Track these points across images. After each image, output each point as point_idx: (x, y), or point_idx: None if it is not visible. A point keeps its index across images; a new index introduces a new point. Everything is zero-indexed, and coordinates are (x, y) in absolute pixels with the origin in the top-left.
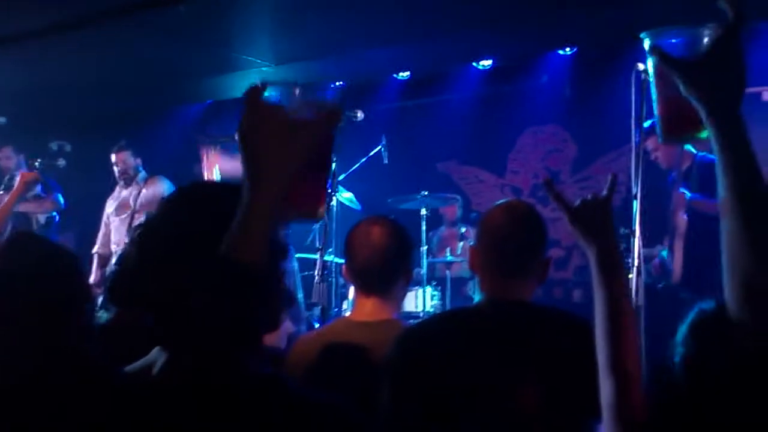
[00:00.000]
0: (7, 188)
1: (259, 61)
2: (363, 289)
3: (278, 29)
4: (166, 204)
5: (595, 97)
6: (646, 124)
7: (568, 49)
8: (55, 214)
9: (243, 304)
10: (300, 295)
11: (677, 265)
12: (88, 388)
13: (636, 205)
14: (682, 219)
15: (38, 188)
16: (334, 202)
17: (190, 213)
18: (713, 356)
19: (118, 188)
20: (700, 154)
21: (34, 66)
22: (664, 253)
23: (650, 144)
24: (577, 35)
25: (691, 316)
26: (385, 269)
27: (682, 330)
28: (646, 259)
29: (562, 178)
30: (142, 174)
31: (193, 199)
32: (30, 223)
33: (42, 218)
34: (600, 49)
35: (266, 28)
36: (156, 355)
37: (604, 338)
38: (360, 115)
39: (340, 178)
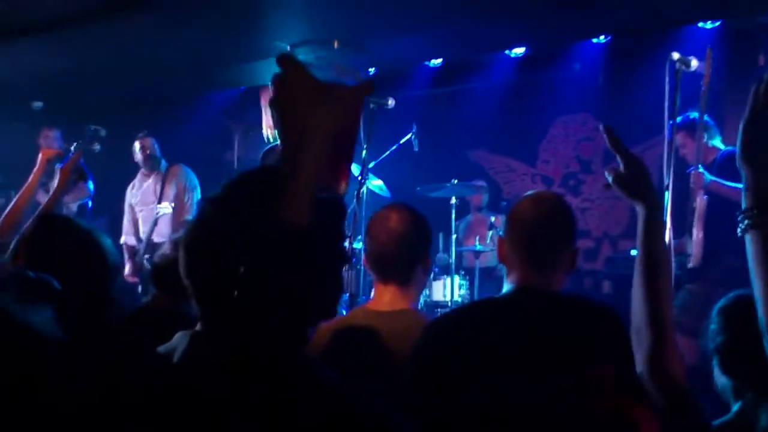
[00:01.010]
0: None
1: (290, 47)
2: (381, 277)
3: (310, 16)
4: (218, 199)
5: (628, 87)
6: (678, 119)
7: (602, 37)
8: (87, 200)
9: (294, 272)
10: None
11: (696, 249)
12: (128, 365)
13: (668, 196)
14: (702, 200)
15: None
16: (363, 190)
17: (237, 201)
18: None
19: (139, 177)
20: (726, 149)
21: (69, 52)
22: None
23: (679, 139)
24: (610, 24)
25: (723, 303)
26: (402, 256)
27: (717, 318)
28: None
29: (594, 168)
30: (164, 163)
31: (239, 189)
32: (61, 212)
33: (74, 206)
34: (634, 38)
35: (298, 15)
36: (179, 340)
37: (644, 292)
38: (391, 102)
39: (370, 165)
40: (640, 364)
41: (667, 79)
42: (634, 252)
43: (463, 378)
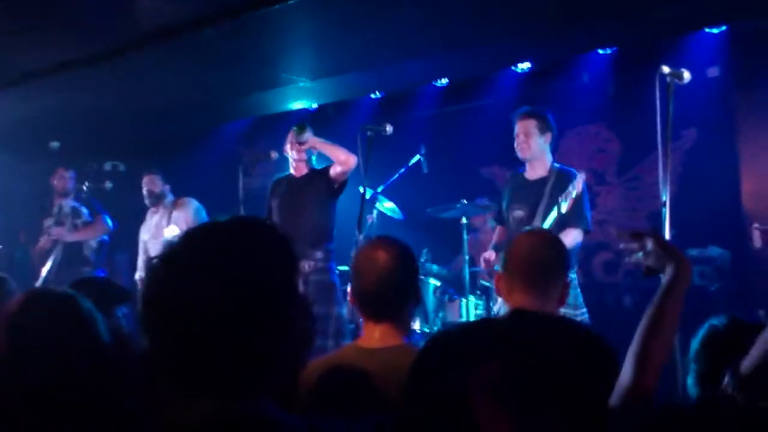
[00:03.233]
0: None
1: (294, 77)
2: (372, 316)
3: (313, 45)
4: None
5: (637, 95)
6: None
7: (607, 48)
8: (105, 237)
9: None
10: (344, 310)
11: None
12: None
13: (665, 213)
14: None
15: (86, 214)
16: (374, 213)
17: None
18: (725, 372)
19: (149, 214)
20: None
21: (83, 92)
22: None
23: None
24: (615, 36)
25: (702, 332)
26: (394, 295)
27: (694, 346)
28: (698, 261)
29: (608, 179)
30: (170, 197)
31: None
32: (81, 249)
33: (93, 243)
34: (640, 48)
35: (301, 45)
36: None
37: (642, 335)
38: (389, 128)
39: (379, 189)
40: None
41: (657, 94)
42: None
43: (454, 391)
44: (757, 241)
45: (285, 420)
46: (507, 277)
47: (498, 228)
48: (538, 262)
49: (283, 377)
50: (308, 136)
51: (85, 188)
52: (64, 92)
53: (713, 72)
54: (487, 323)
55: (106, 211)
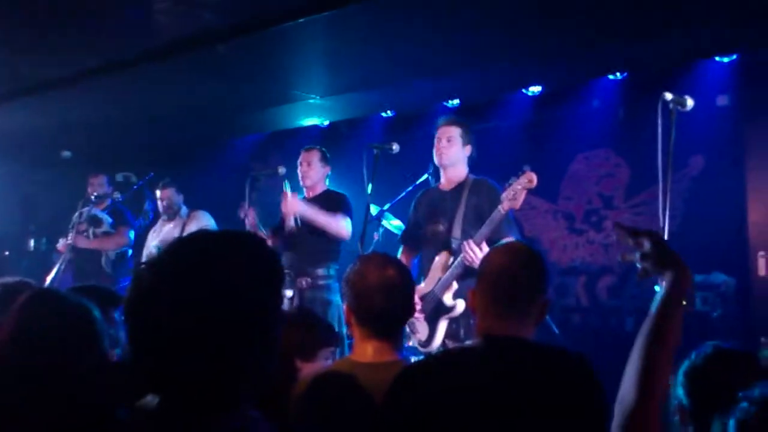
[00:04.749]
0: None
1: (305, 93)
2: (375, 334)
3: (324, 63)
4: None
5: (646, 121)
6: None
7: (618, 74)
8: (126, 249)
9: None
10: (344, 328)
11: None
12: None
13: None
14: None
15: (108, 223)
16: (379, 231)
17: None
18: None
19: (160, 222)
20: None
21: (96, 102)
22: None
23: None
24: (626, 61)
25: (686, 363)
26: (401, 312)
27: (678, 377)
28: (702, 287)
29: (616, 203)
30: (184, 209)
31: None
32: (99, 259)
33: (112, 254)
34: (651, 73)
35: (312, 63)
36: (152, 398)
37: (643, 348)
38: (395, 147)
39: (386, 207)
40: (617, 421)
41: (659, 121)
42: (657, 288)
43: (428, 423)
44: (762, 269)
45: None
46: (480, 296)
47: (403, 249)
48: (513, 283)
49: (265, 389)
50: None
51: (115, 197)
52: (76, 102)
53: (722, 100)
54: (459, 352)
55: (134, 224)
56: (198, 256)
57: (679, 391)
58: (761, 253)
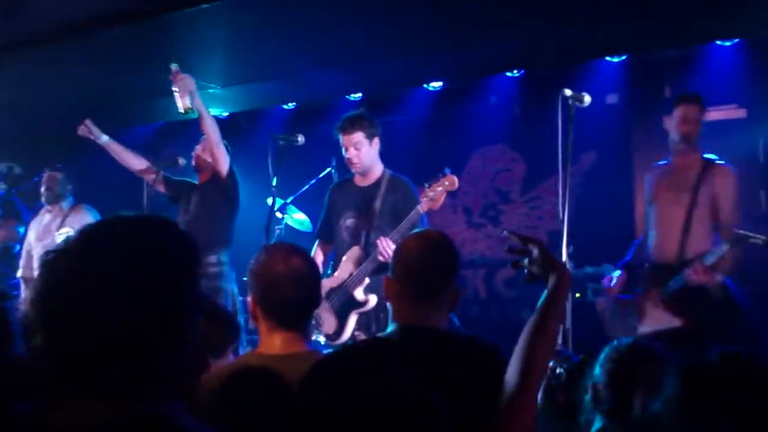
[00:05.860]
0: None
1: (204, 83)
2: (282, 325)
3: (225, 50)
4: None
5: (543, 117)
6: None
7: (515, 71)
8: (14, 244)
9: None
10: (241, 319)
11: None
12: None
13: (564, 231)
14: None
15: None
16: (281, 225)
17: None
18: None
19: (42, 212)
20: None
21: None
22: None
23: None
24: (522, 59)
25: (606, 351)
26: (309, 302)
27: (596, 367)
28: (593, 278)
29: (512, 197)
30: (69, 200)
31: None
32: None
33: None
34: (548, 71)
35: (212, 49)
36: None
37: (527, 340)
38: (301, 139)
39: (289, 200)
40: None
41: (560, 116)
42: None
43: (342, 415)
44: None
45: (193, 426)
46: (395, 283)
47: (318, 243)
48: (429, 270)
49: (182, 378)
50: (189, 103)
51: (4, 189)
52: None
53: (612, 99)
54: (374, 343)
55: (26, 219)
56: (111, 237)
57: (597, 371)
58: None
